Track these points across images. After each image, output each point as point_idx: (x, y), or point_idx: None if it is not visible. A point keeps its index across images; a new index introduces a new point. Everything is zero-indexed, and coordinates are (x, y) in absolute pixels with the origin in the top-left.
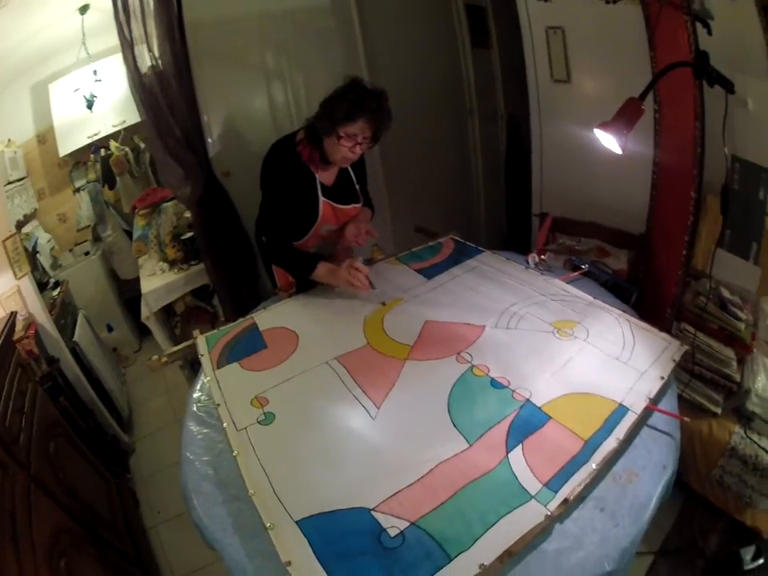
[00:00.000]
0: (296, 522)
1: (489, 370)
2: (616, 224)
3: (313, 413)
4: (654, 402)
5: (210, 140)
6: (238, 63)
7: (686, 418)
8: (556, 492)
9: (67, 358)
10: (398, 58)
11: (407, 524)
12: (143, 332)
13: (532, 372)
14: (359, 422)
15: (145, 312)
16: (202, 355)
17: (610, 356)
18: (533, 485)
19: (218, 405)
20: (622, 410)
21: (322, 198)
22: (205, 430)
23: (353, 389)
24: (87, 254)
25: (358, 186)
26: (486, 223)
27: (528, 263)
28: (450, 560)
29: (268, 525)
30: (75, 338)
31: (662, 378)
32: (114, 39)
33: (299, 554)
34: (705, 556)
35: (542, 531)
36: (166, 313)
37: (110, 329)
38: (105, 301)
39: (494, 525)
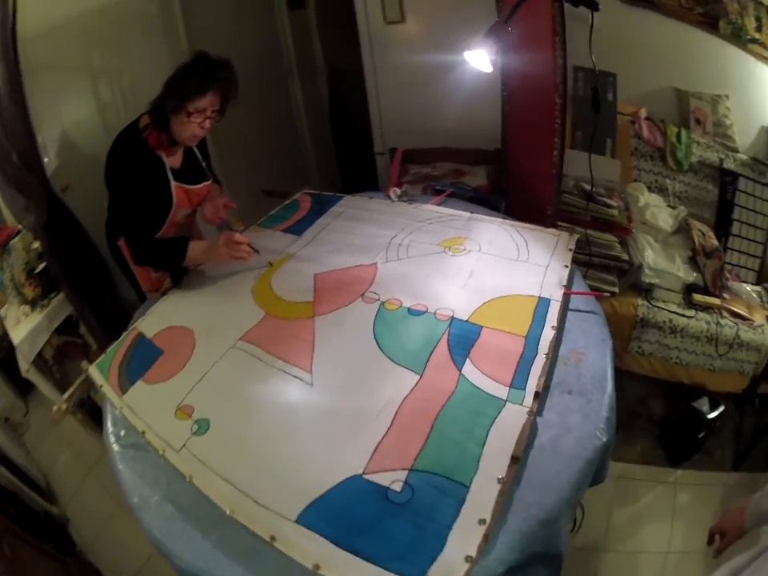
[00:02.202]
0: (296, 522)
1: (401, 302)
2: (469, 144)
3: (246, 403)
4: (567, 287)
5: (46, 159)
6: (65, 70)
7: (605, 293)
8: (523, 389)
9: None
10: (218, 31)
11: (405, 472)
12: (25, 392)
13: (442, 291)
14: (299, 394)
15: (23, 365)
16: (101, 386)
17: (510, 259)
18: (499, 390)
19: (143, 432)
20: (544, 302)
21: (173, 183)
22: (140, 466)
23: (274, 363)
24: None
25: (204, 164)
26: (319, 177)
27: (391, 197)
28: (468, 487)
29: (268, 538)
30: None
31: (566, 266)
32: None
33: (319, 551)
34: (656, 421)
35: (531, 428)
36: (43, 360)
37: None
38: None
39: (486, 439)
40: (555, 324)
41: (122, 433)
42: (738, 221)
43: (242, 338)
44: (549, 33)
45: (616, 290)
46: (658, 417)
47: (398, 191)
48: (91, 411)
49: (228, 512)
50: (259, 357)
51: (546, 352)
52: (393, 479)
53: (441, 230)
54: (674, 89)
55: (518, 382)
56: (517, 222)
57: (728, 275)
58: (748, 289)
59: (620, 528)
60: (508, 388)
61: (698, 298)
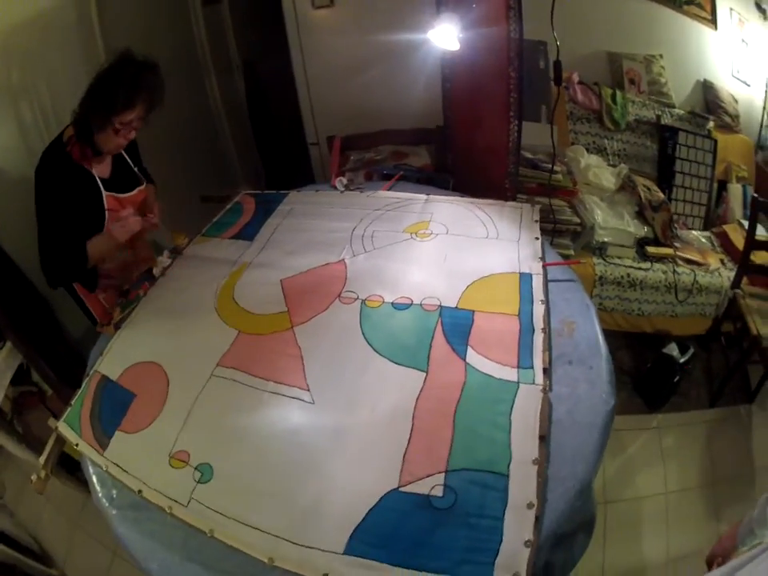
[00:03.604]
0: (345, 554)
1: (382, 297)
2: (408, 125)
3: (246, 437)
4: (543, 259)
5: None
6: None
7: (581, 260)
8: (531, 368)
9: None
10: (135, 33)
11: (442, 475)
12: None
13: (421, 280)
14: (303, 416)
15: None
16: (76, 444)
17: (479, 237)
18: (508, 373)
19: (140, 491)
20: (526, 277)
21: (105, 193)
22: (146, 527)
23: (263, 386)
24: None
25: (136, 168)
26: (243, 173)
27: (338, 188)
28: (507, 475)
29: None
30: None
31: (537, 238)
32: None
33: (376, 574)
34: (627, 372)
35: (548, 404)
36: (2, 416)
37: None
38: None
39: (511, 424)
40: (543, 298)
41: (114, 493)
42: (680, 172)
43: (218, 363)
44: (503, 7)
45: (572, 252)
46: (629, 367)
47: (344, 180)
48: (60, 460)
49: (267, 561)
50: (244, 381)
51: (542, 327)
52: (431, 485)
53: (401, 215)
54: (606, 52)
55: (524, 361)
56: (476, 198)
57: (676, 225)
58: (698, 235)
59: (616, 479)
60: (516, 369)
61: (651, 250)
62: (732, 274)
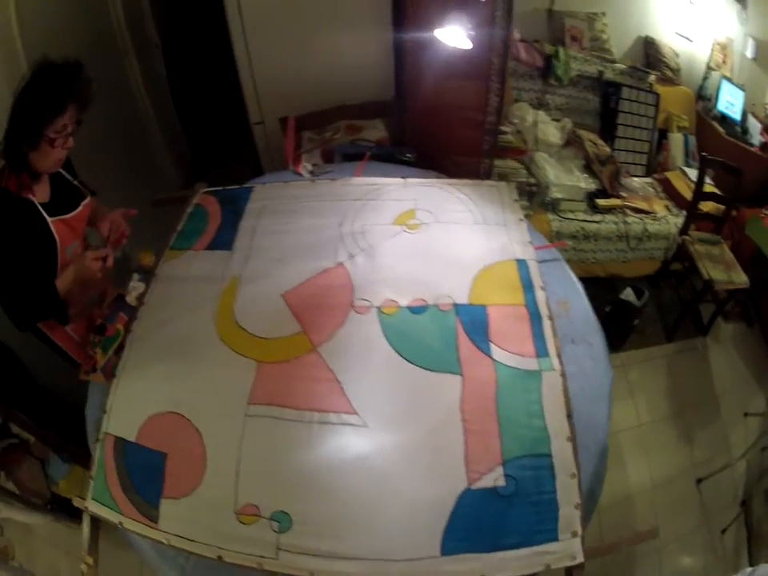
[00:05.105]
0: (443, 555)
1: (397, 302)
2: (362, 98)
3: (315, 475)
4: (531, 242)
5: None
6: None
7: (567, 243)
8: (548, 355)
9: None
10: (54, 30)
11: (501, 467)
12: None
13: (429, 278)
14: (363, 441)
15: None
16: (119, 523)
17: (468, 224)
18: (530, 363)
19: (219, 557)
20: (522, 264)
21: (50, 220)
22: None
23: (310, 418)
24: None
25: (75, 182)
26: (172, 161)
27: (303, 174)
28: (550, 455)
29: None
30: None
31: (521, 219)
32: None
33: (478, 565)
34: None
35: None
36: None
37: None
38: None
39: (543, 410)
40: (542, 284)
41: (182, 562)
42: (622, 125)
43: (249, 402)
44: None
45: (531, 212)
46: None
47: (309, 166)
48: (61, 507)
49: None
50: (285, 417)
51: (547, 314)
52: (494, 478)
53: (384, 205)
54: (546, 10)
55: (540, 350)
56: (452, 179)
57: (621, 175)
58: (641, 182)
59: None
60: (536, 359)
61: (601, 202)
62: (677, 220)
